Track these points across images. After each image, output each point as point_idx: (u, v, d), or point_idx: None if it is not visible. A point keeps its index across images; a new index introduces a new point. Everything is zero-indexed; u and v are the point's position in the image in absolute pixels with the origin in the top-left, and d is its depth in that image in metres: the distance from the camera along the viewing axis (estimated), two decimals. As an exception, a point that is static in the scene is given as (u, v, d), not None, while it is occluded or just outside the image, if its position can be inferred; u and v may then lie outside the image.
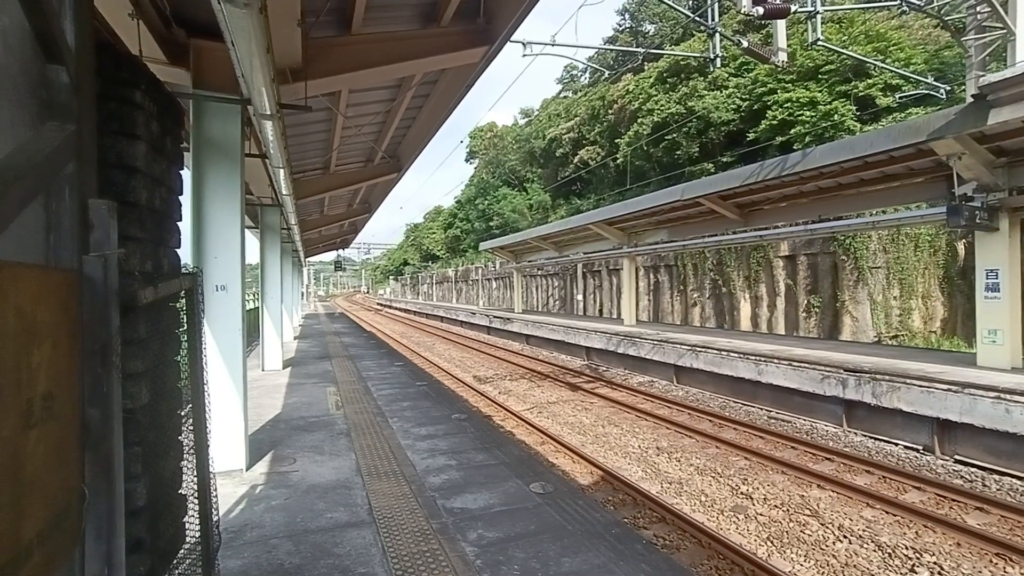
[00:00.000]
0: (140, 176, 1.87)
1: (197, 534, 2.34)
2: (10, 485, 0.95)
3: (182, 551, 2.23)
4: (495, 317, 25.11)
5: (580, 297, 26.81)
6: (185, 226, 2.50)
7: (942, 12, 8.50)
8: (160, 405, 1.99)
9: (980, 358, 8.20)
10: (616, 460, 7.48)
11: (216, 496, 2.46)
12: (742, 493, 6.19)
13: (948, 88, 12.49)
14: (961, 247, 15.22)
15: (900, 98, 15.94)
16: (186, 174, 2.69)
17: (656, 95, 25.81)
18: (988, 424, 6.62)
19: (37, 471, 1.05)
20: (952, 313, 15.59)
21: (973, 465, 6.81)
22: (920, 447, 7.47)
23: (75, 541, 1.23)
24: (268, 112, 4.56)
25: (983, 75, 7.16)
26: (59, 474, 1.16)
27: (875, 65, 13.80)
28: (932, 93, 12.53)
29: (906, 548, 4.87)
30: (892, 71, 14.30)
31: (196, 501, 2.33)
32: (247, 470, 5.13)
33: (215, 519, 2.45)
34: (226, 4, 2.79)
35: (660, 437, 8.46)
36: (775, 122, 20.09)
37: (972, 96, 7.30)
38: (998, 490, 6.18)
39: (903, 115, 16.88)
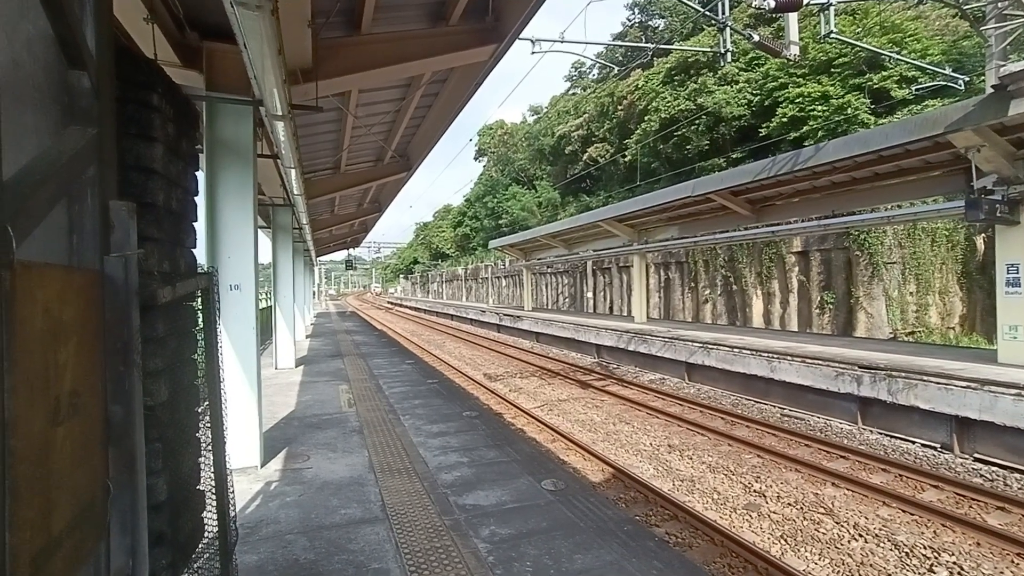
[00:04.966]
0: (157, 178, 1.90)
1: (215, 529, 2.39)
2: (41, 479, 0.98)
3: (201, 545, 2.28)
4: (505, 315, 25.13)
5: (590, 295, 26.71)
6: (199, 226, 2.54)
7: (961, 1, 8.29)
8: (179, 402, 2.03)
9: (1001, 355, 8.04)
10: (627, 458, 7.46)
11: (232, 492, 2.51)
12: (755, 491, 6.15)
13: (967, 79, 12.20)
14: (980, 241, 14.91)
15: (916, 90, 15.60)
16: (200, 175, 2.73)
17: (663, 93, 25.57)
18: (1009, 422, 6.49)
19: (65, 466, 1.08)
20: (971, 309, 15.28)
21: (993, 464, 6.69)
22: (938, 445, 7.34)
23: (101, 534, 1.26)
24: (280, 113, 4.60)
25: (1004, 65, 6.98)
26: (85, 469, 1.19)
27: (890, 57, 13.51)
28: (950, 84, 12.25)
29: (924, 548, 4.80)
30: (908, 63, 13.99)
31: (214, 497, 2.37)
32: (262, 467, 5.21)
33: (232, 514, 2.50)
34: (238, 7, 2.82)
35: (671, 435, 8.42)
36: (785, 119, 19.80)
37: (992, 87, 7.14)
38: (1020, 489, 6.06)
39: (919, 107, 16.54)
